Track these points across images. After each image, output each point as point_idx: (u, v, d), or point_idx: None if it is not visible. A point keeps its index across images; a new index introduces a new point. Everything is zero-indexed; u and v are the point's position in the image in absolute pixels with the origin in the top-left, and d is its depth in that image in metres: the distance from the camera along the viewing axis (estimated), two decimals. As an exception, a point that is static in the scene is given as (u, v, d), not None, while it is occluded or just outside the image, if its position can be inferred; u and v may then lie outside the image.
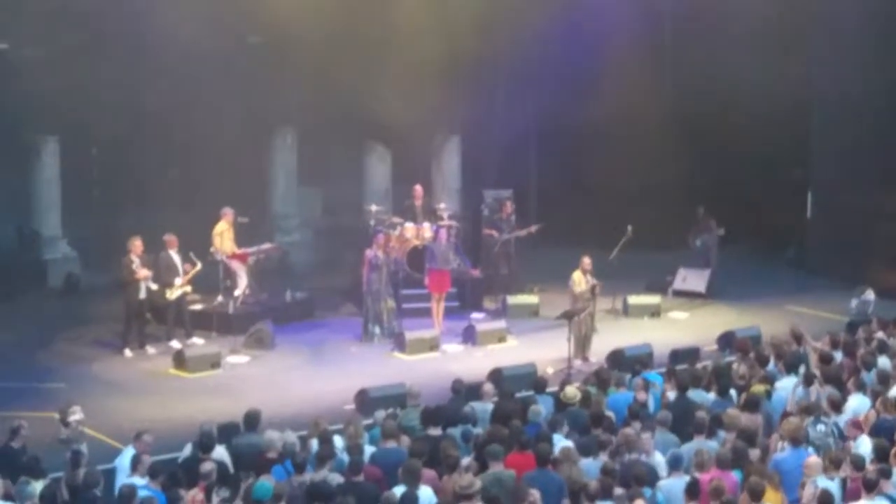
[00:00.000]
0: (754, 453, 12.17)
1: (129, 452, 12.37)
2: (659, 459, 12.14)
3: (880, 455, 11.78)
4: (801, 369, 14.82)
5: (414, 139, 25.57)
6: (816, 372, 14.72)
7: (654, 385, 14.80)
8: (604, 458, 11.97)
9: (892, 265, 22.49)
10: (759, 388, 14.27)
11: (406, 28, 23.18)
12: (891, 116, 22.94)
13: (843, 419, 13.18)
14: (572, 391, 14.09)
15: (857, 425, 12.77)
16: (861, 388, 14.15)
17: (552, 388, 14.97)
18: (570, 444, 12.34)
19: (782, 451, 12.12)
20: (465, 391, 14.56)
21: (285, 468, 11.86)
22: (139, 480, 11.46)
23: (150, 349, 19.05)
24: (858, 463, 11.62)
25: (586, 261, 18.79)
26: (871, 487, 11.03)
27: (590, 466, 11.80)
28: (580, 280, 18.57)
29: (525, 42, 26.01)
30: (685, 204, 26.06)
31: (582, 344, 18.59)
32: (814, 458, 11.54)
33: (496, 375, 16.31)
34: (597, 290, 18.69)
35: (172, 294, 19.12)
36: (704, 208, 23.77)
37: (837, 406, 13.27)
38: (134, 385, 17.47)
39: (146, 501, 10.83)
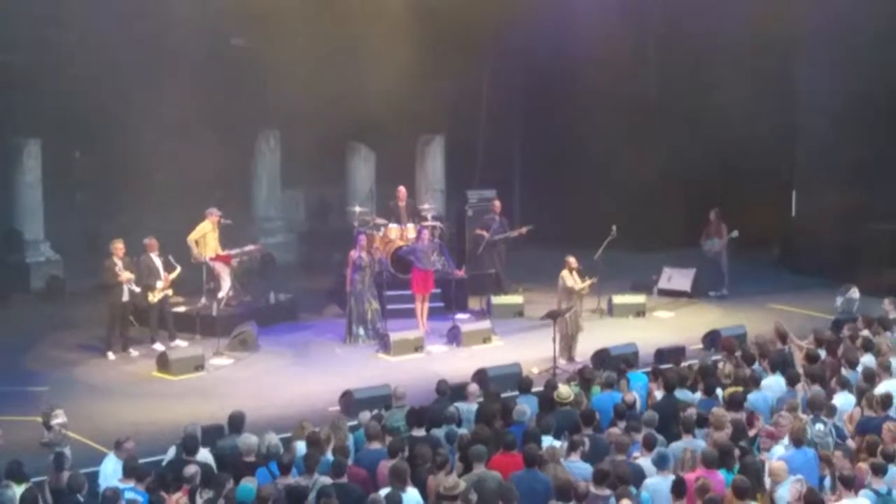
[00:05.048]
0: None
1: (111, 460, 12.28)
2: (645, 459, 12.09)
3: (870, 452, 11.76)
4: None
5: (397, 140, 25.55)
6: (801, 370, 14.71)
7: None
8: (575, 457, 11.92)
9: (876, 264, 22.52)
10: (734, 390, 14.14)
11: (390, 29, 23.18)
12: (876, 116, 22.96)
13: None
14: (566, 391, 13.98)
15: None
16: (845, 386, 14.14)
17: (537, 388, 14.93)
18: (556, 443, 12.30)
19: (787, 451, 12.05)
20: (450, 392, 14.50)
21: (270, 470, 11.80)
22: (123, 483, 11.38)
23: (134, 352, 18.95)
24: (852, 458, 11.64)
25: (571, 260, 18.74)
26: (849, 484, 11.03)
27: (576, 466, 11.76)
28: (569, 277, 18.56)
29: (509, 43, 26.07)
30: (669, 203, 26.16)
31: (567, 344, 18.55)
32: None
33: (481, 376, 16.28)
34: (586, 287, 18.70)
35: (155, 297, 19.07)
36: (717, 212, 23.44)
37: (831, 412, 13.16)
38: (117, 388, 17.36)
39: (130, 504, 10.77)
